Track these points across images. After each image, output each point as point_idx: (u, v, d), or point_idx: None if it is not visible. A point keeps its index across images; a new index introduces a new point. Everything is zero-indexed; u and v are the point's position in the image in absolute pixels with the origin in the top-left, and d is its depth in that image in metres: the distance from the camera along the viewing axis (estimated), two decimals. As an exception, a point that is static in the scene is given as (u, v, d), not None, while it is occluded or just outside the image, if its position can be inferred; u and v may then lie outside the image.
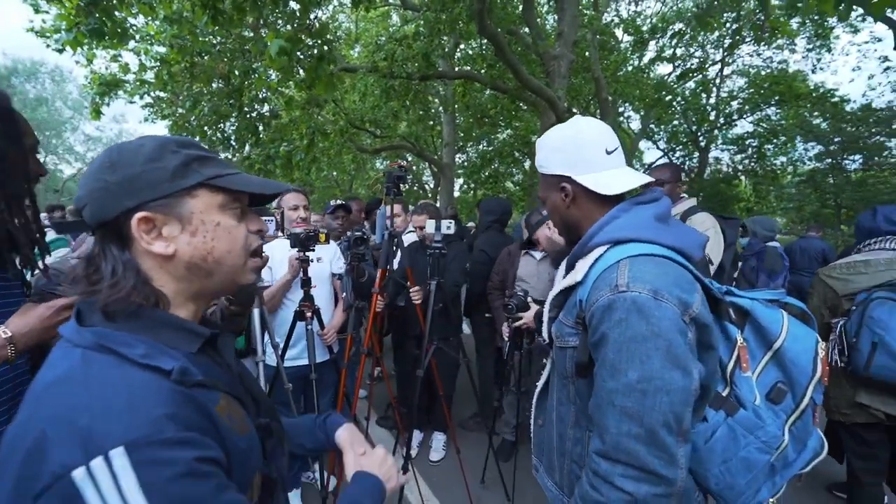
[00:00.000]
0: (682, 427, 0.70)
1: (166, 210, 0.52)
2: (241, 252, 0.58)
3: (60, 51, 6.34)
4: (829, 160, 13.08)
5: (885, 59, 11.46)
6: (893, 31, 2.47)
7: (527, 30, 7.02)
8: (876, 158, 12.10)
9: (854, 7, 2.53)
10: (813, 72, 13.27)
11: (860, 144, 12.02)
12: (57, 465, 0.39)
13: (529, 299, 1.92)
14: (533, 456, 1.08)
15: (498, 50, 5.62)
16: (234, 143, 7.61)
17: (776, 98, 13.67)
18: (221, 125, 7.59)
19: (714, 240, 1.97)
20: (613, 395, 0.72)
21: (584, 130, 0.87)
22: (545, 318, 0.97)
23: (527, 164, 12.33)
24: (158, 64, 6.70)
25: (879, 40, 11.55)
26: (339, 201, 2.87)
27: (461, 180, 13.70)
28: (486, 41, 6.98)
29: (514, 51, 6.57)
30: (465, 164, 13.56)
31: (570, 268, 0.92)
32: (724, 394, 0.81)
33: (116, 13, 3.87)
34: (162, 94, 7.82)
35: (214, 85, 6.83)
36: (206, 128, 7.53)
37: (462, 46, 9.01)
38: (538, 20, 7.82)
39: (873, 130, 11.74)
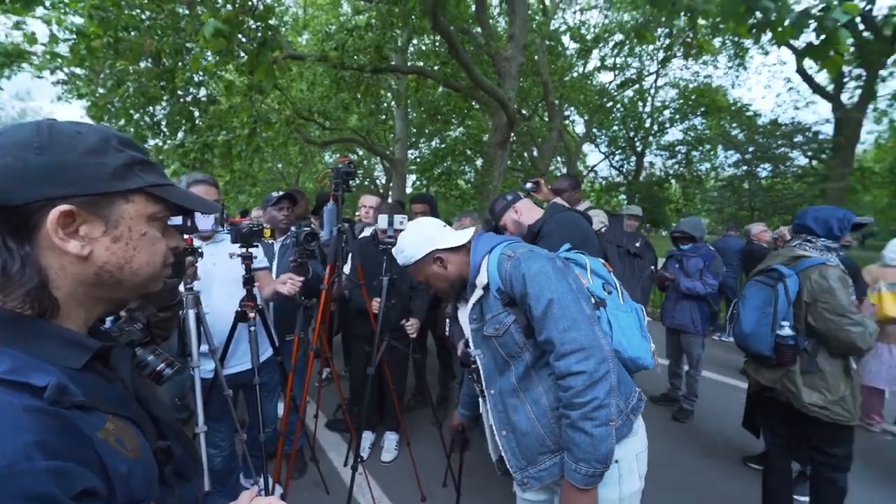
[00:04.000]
0: (586, 313, 1.03)
1: (93, 209, 0.47)
2: (159, 265, 0.55)
3: (-56, 12, 5.43)
4: (745, 167, 14.63)
5: (789, 80, 13.07)
6: (795, 55, 2.81)
7: (479, 30, 7.10)
8: (781, 167, 13.72)
9: (764, 32, 2.83)
10: (732, 87, 14.80)
11: (769, 154, 13.56)
12: None
13: None
14: (514, 472, 1.18)
15: (451, 47, 5.63)
16: (164, 130, 6.95)
17: (702, 109, 15.04)
18: (150, 109, 6.90)
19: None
20: (545, 312, 1.02)
21: (424, 222, 1.28)
22: (468, 332, 1.21)
23: (478, 163, 12.51)
24: (75, 37, 5.93)
25: (784, 63, 13.13)
26: (280, 192, 2.59)
27: (413, 177, 13.61)
28: (439, 38, 6.97)
29: (466, 50, 6.62)
30: (418, 160, 13.49)
31: (464, 299, 1.24)
32: (595, 301, 1.22)
33: (19, -26, 3.38)
34: (78, 71, 6.95)
35: (143, 64, 6.18)
36: (132, 111, 6.81)
37: (415, 42, 8.92)
38: (490, 21, 7.95)
39: (780, 142, 13.30)
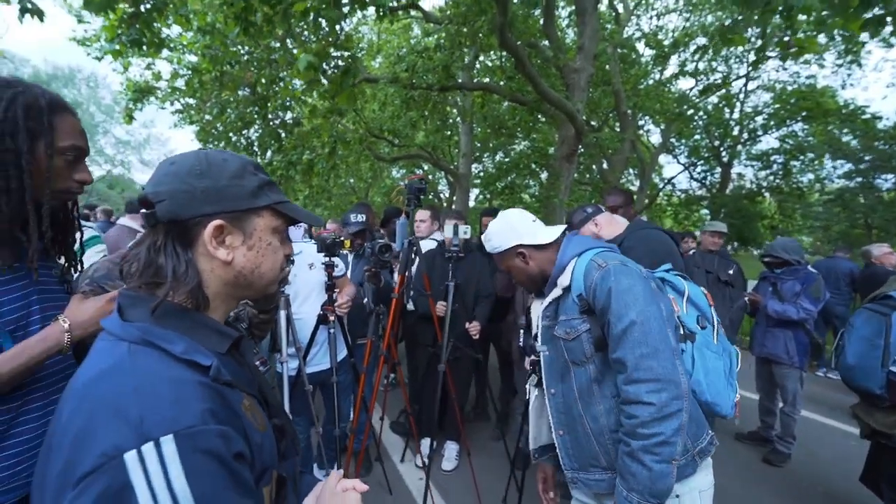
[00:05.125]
0: (671, 344, 0.97)
1: (236, 223, 0.57)
2: (278, 270, 0.64)
3: (100, 59, 6.68)
4: (860, 179, 12.65)
5: (919, 75, 11.10)
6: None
7: (547, 43, 7.07)
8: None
9: (883, 26, 2.50)
10: (843, 87, 12.90)
11: (893, 164, 11.60)
12: (109, 447, 0.42)
13: None
14: (566, 472, 1.17)
15: (518, 63, 5.68)
16: (256, 149, 7.83)
17: (803, 114, 13.33)
18: (246, 131, 7.83)
19: None
20: (624, 333, 0.97)
21: (514, 214, 1.26)
22: (539, 327, 1.20)
23: (543, 177, 12.31)
24: (190, 72, 6.98)
25: (913, 56, 11.16)
26: (359, 217, 2.67)
27: (477, 191, 13.75)
28: (505, 53, 7.06)
29: (533, 64, 6.62)
30: (482, 174, 13.62)
31: (543, 295, 1.22)
32: (683, 333, 1.15)
33: (155, 24, 4.07)
34: (191, 101, 8.13)
35: (241, 93, 7.07)
36: (231, 134, 7.79)
37: (481, 58, 9.12)
38: (559, 33, 7.88)
39: (907, 149, 11.33)
